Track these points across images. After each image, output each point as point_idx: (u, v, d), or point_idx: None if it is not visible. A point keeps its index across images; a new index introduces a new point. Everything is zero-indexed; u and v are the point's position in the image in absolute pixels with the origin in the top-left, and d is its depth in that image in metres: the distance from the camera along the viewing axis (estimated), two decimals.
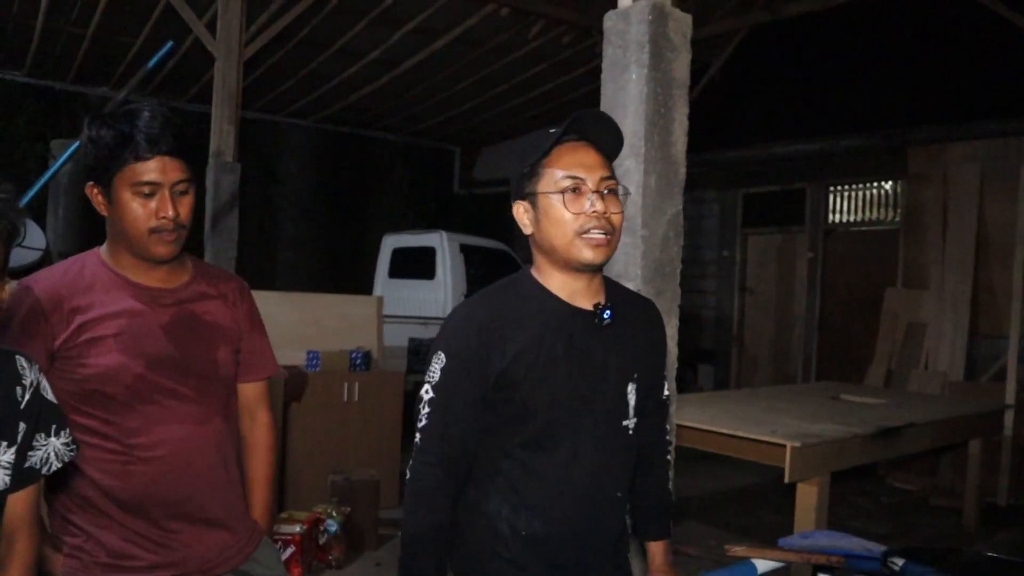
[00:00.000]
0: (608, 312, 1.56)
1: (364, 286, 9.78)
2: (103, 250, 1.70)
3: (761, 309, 9.43)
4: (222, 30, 6.10)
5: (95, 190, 1.61)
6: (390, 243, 9.44)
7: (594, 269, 1.55)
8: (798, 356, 8.87)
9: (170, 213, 1.57)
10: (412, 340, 7.48)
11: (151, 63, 4.14)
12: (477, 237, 9.19)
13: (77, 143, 4.02)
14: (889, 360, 6.95)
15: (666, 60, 2.38)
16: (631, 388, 1.59)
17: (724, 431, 3.68)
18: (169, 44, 4.05)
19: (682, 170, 2.44)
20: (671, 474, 1.76)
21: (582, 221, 1.49)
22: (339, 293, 6.63)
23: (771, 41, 8.07)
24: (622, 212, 1.54)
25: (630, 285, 2.35)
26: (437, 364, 1.54)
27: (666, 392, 1.77)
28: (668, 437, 1.79)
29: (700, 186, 9.17)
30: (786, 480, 3.41)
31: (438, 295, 8.59)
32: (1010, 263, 6.22)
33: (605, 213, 1.49)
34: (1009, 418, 5.55)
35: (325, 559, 4.00)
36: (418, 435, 1.55)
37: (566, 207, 1.50)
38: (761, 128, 8.58)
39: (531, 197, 1.54)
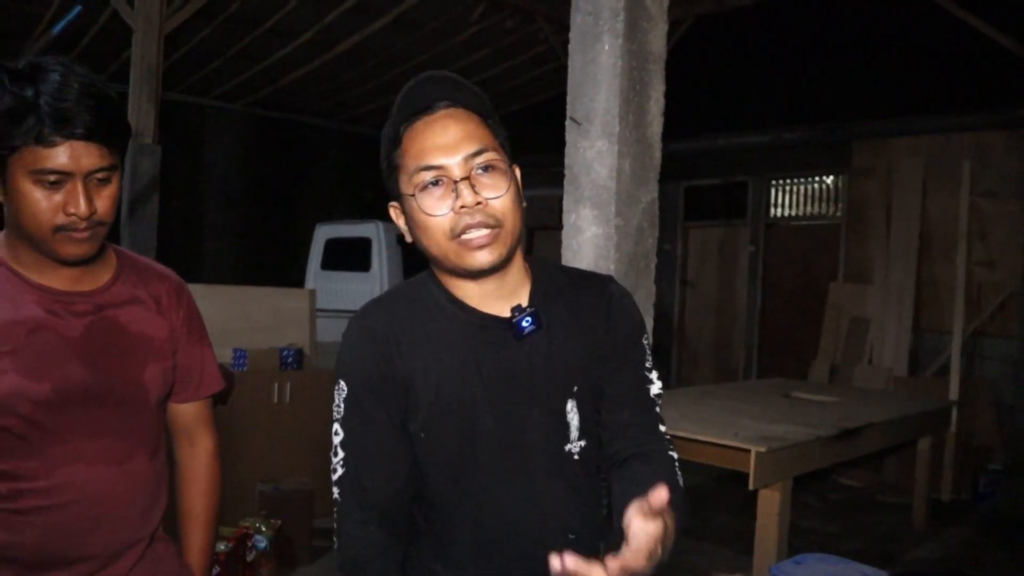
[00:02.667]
0: (529, 319, 1.21)
1: (295, 279, 9.37)
2: None
3: (702, 303, 9.35)
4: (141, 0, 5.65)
5: None
6: (323, 233, 9.08)
7: (488, 272, 1.20)
8: (740, 351, 8.82)
9: (82, 209, 1.20)
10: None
11: (57, 27, 3.73)
12: None
13: None
14: (833, 355, 6.91)
15: (642, 30, 2.14)
16: (571, 405, 1.24)
17: (683, 435, 3.48)
18: (77, 8, 3.66)
19: (658, 154, 2.21)
20: (679, 472, 1.29)
21: (452, 221, 1.15)
22: (268, 286, 6.29)
23: (716, 32, 7.96)
24: (508, 190, 1.17)
25: None
26: (339, 395, 1.23)
27: (655, 391, 1.32)
28: (667, 439, 1.32)
29: None
30: (751, 487, 3.24)
31: (374, 288, 8.26)
32: (952, 258, 6.24)
33: (479, 204, 1.15)
34: (954, 415, 5.54)
35: None
36: (335, 489, 1.24)
37: (427, 211, 1.16)
38: (704, 120, 8.48)
39: (399, 198, 1.22)
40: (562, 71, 2.32)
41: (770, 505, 3.36)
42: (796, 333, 8.13)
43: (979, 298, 6.40)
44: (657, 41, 2.19)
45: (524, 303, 1.24)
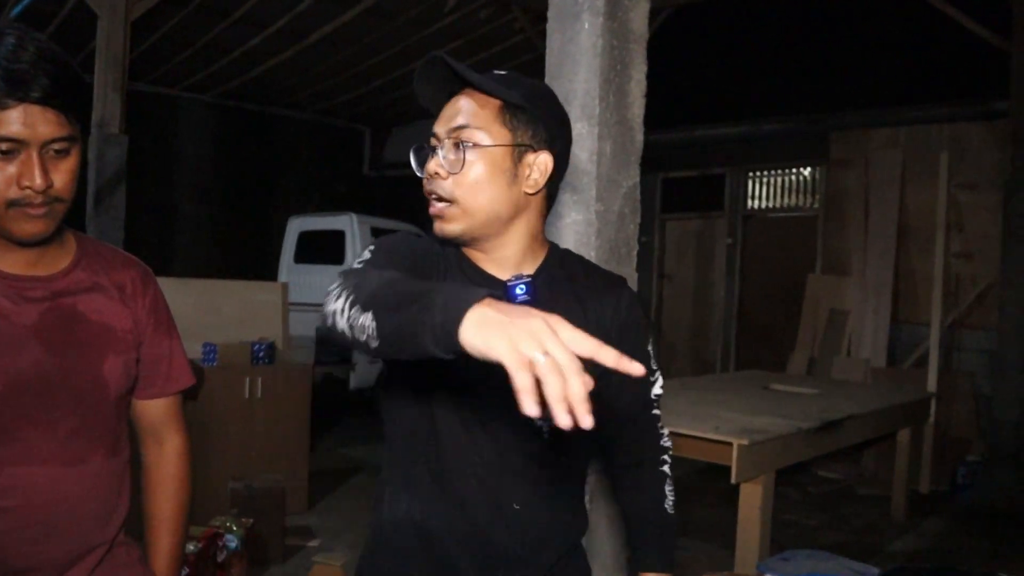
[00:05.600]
0: (524, 288, 1.19)
1: (268, 272, 9.22)
2: None
3: (679, 296, 9.32)
4: None
5: None
6: (296, 226, 8.93)
7: (455, 240, 1.23)
8: (717, 343, 8.79)
9: (37, 182, 1.10)
10: (320, 329, 7.03)
11: (16, 10, 3.58)
12: (389, 220, 8.77)
13: None
14: (811, 347, 6.90)
15: (623, 8, 2.05)
16: None
17: None
18: None
19: (639, 136, 2.13)
20: (669, 489, 1.39)
21: (425, 184, 1.23)
22: (240, 279, 6.16)
23: (694, 22, 7.90)
24: (464, 169, 1.18)
25: None
26: (367, 253, 1.21)
27: (656, 391, 1.38)
28: (663, 443, 1.41)
29: None
30: (733, 481, 3.18)
31: None
32: (930, 250, 6.24)
33: (436, 173, 1.19)
34: (932, 406, 5.54)
35: None
36: (339, 277, 1.14)
37: (416, 170, 1.26)
38: (681, 111, 8.42)
39: None
40: (539, 62, 2.23)
41: (752, 499, 3.30)
42: (773, 325, 8.11)
43: (957, 290, 6.40)
44: (639, 20, 2.10)
45: (527, 274, 1.25)
